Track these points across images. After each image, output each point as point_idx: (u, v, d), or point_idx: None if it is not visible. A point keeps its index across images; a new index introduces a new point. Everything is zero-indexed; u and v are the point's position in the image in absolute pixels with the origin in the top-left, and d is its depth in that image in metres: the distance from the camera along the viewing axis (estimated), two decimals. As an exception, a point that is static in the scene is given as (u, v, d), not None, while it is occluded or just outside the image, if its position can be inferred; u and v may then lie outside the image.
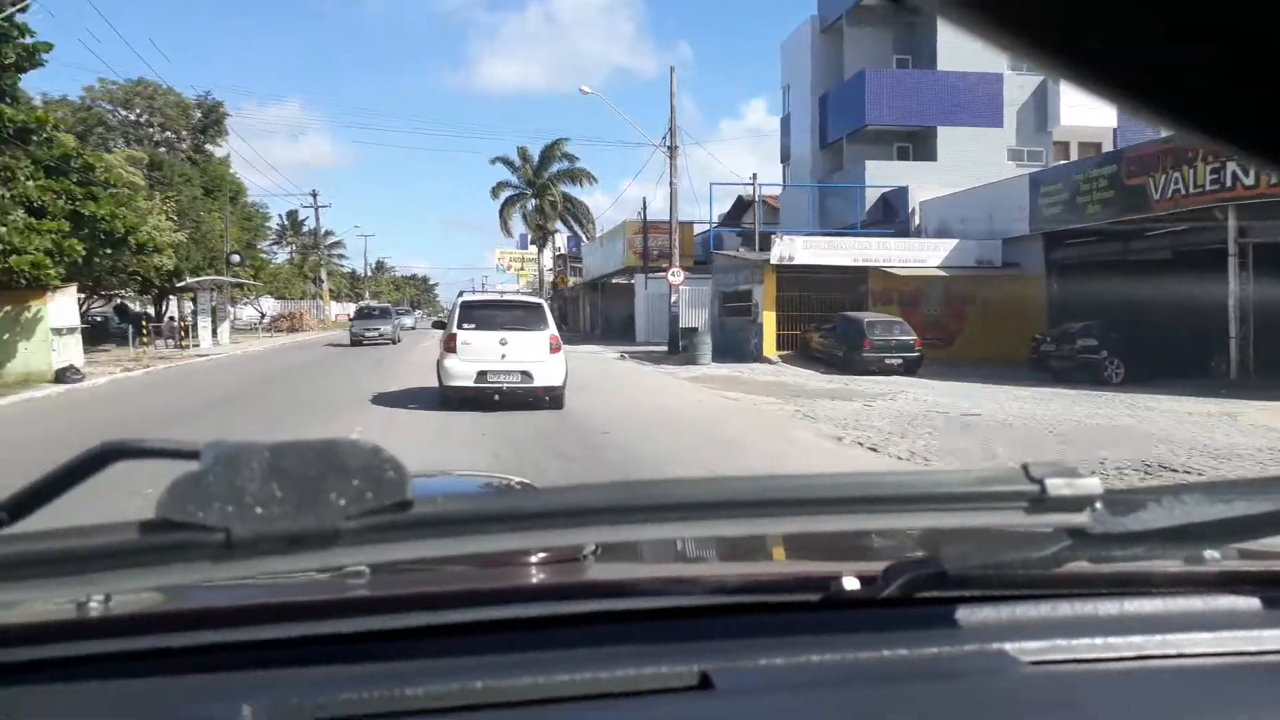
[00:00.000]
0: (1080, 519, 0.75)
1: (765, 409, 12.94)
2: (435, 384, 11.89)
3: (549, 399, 11.39)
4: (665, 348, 26.16)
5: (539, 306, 12.58)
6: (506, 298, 14.52)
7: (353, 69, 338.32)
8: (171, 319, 32.70)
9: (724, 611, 0.97)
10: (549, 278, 55.06)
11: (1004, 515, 0.76)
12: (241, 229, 44.89)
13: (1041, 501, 0.73)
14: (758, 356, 21.65)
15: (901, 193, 26.47)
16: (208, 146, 45.59)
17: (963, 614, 0.95)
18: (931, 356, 19.12)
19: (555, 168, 51.06)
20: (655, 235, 34.16)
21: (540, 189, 51.12)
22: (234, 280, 34.43)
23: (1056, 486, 0.73)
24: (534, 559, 1.23)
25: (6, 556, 0.63)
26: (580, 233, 52.74)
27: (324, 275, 54.93)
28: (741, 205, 40.13)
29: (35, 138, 21.46)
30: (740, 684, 0.83)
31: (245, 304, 49.83)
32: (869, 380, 17.28)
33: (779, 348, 21.80)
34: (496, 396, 11.18)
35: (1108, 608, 0.98)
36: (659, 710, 0.81)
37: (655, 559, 1.36)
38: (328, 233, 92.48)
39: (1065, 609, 0.97)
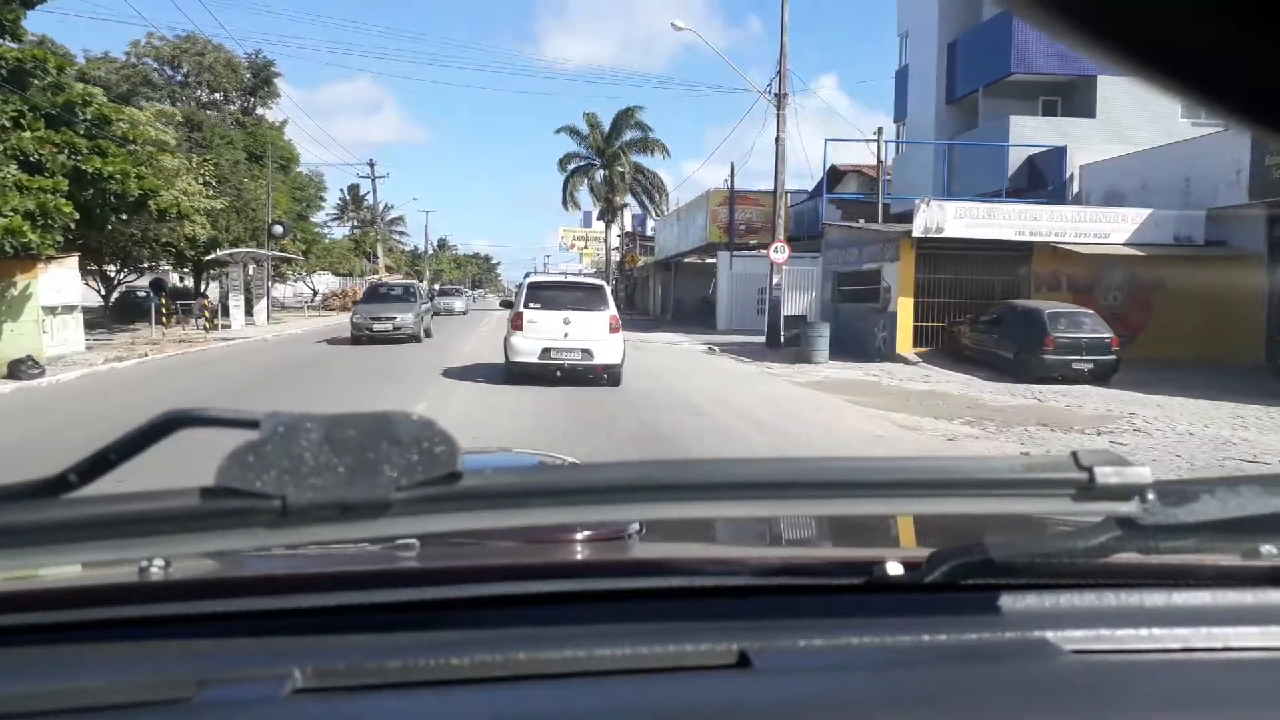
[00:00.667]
0: (1129, 508, 0.74)
1: (976, 449, 8.78)
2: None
3: (607, 376, 11.79)
4: (760, 338, 22.12)
5: (600, 288, 12.89)
6: (570, 279, 14.84)
7: (419, 41, 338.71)
8: (203, 295, 29.50)
9: (765, 592, 0.97)
10: (615, 256, 51.24)
11: (1051, 503, 0.75)
12: (292, 199, 41.96)
13: (1090, 490, 0.72)
14: (887, 354, 17.36)
15: (1055, 155, 21.79)
16: (258, 110, 42.63)
17: (1006, 601, 0.94)
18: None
19: (627, 137, 47.00)
20: (743, 207, 29.97)
21: (610, 159, 47.12)
22: (274, 254, 31.11)
23: (1105, 475, 0.71)
24: (579, 536, 1.24)
25: (75, 518, 0.66)
26: (651, 208, 48.70)
27: (380, 250, 51.75)
28: (836, 175, 35.73)
29: (35, 81, 18.24)
30: (778, 663, 0.83)
31: (296, 280, 46.95)
32: (1057, 392, 12.98)
33: (916, 343, 17.48)
34: (558, 373, 11.58)
35: (1154, 599, 0.96)
36: (697, 687, 0.81)
37: (699, 539, 1.34)
38: (388, 207, 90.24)
39: (1111, 599, 0.95)
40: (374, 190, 51.81)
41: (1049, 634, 0.88)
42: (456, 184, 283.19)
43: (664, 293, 41.49)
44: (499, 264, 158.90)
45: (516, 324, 11.88)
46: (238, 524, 0.63)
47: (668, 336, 25.50)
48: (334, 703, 0.77)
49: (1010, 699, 0.79)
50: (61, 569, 0.92)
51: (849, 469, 0.76)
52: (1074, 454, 0.73)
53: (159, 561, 0.94)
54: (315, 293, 49.24)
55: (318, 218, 47.54)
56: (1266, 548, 0.98)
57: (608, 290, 12.89)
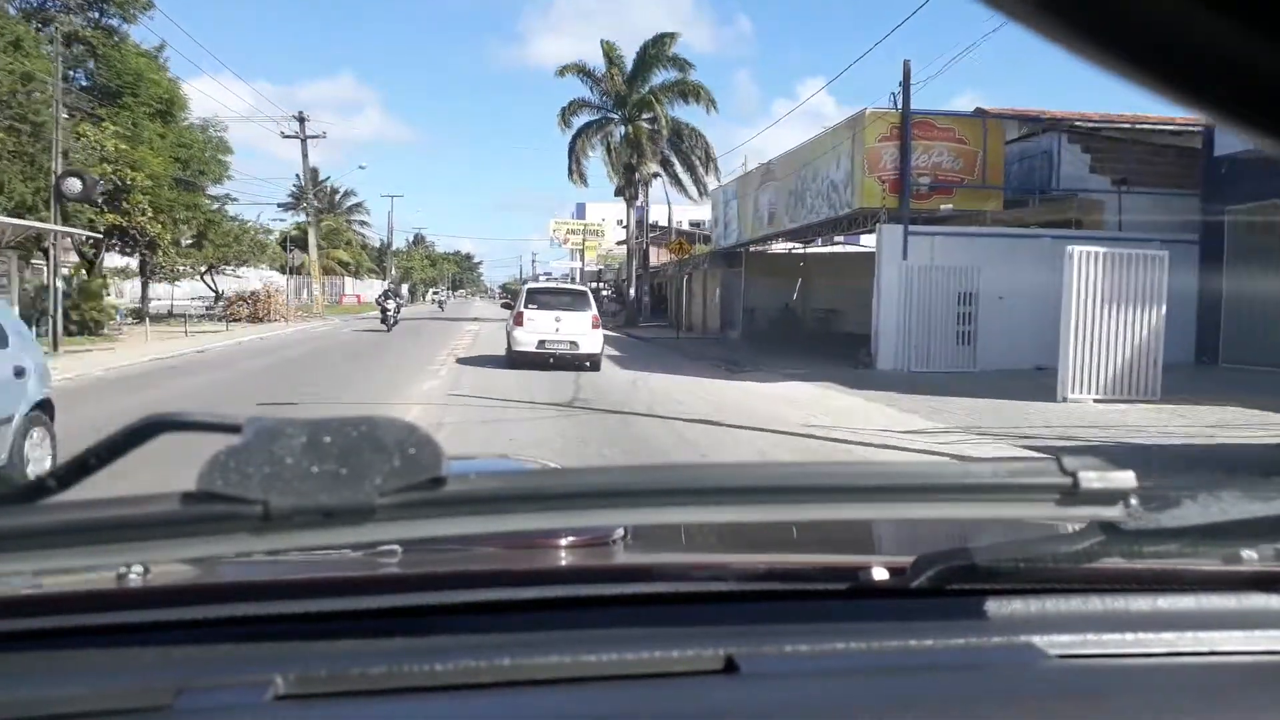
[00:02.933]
0: (1113, 513, 0.75)
1: None
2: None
3: (589, 364, 14.72)
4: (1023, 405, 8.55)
5: (585, 293, 16.21)
6: (560, 286, 19.11)
7: (402, 44, 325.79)
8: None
9: (752, 598, 0.97)
10: (620, 248, 37.47)
11: (1036, 507, 0.75)
12: (173, 160, 28.11)
13: (1074, 494, 0.72)
14: None
15: None
16: (118, 25, 28.48)
17: (991, 606, 0.94)
18: None
19: (657, 79, 33.18)
20: (926, 141, 16.10)
21: (634, 109, 33.36)
22: (35, 225, 16.84)
23: (1089, 479, 0.72)
24: (564, 541, 1.22)
25: (53, 524, 0.65)
26: (690, 180, 34.89)
27: (311, 237, 37.60)
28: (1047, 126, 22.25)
29: None
30: (765, 669, 0.83)
31: (168, 278, 32.71)
32: None
33: None
34: (551, 360, 14.48)
35: (1139, 603, 0.96)
36: (684, 692, 0.81)
37: (684, 545, 1.34)
38: (348, 193, 75.66)
39: (1096, 604, 0.96)
40: (304, 155, 37.59)
41: (1034, 639, 0.89)
42: (440, 183, 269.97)
43: (726, 299, 27.63)
44: (481, 263, 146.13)
45: (518, 321, 14.95)
46: (219, 529, 0.63)
47: (812, 391, 11.69)
48: (316, 709, 0.77)
49: (996, 704, 0.79)
50: (39, 575, 0.90)
51: (835, 473, 0.77)
52: (1058, 458, 0.73)
53: (138, 567, 0.92)
54: (218, 295, 35.21)
55: (213, 189, 33.07)
56: (1248, 552, 0.98)
57: (590, 295, 16.31)
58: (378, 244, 76.03)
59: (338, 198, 73.02)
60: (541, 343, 14.54)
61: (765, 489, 0.73)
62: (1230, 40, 0.32)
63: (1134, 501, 0.74)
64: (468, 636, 0.85)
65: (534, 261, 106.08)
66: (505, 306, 19.83)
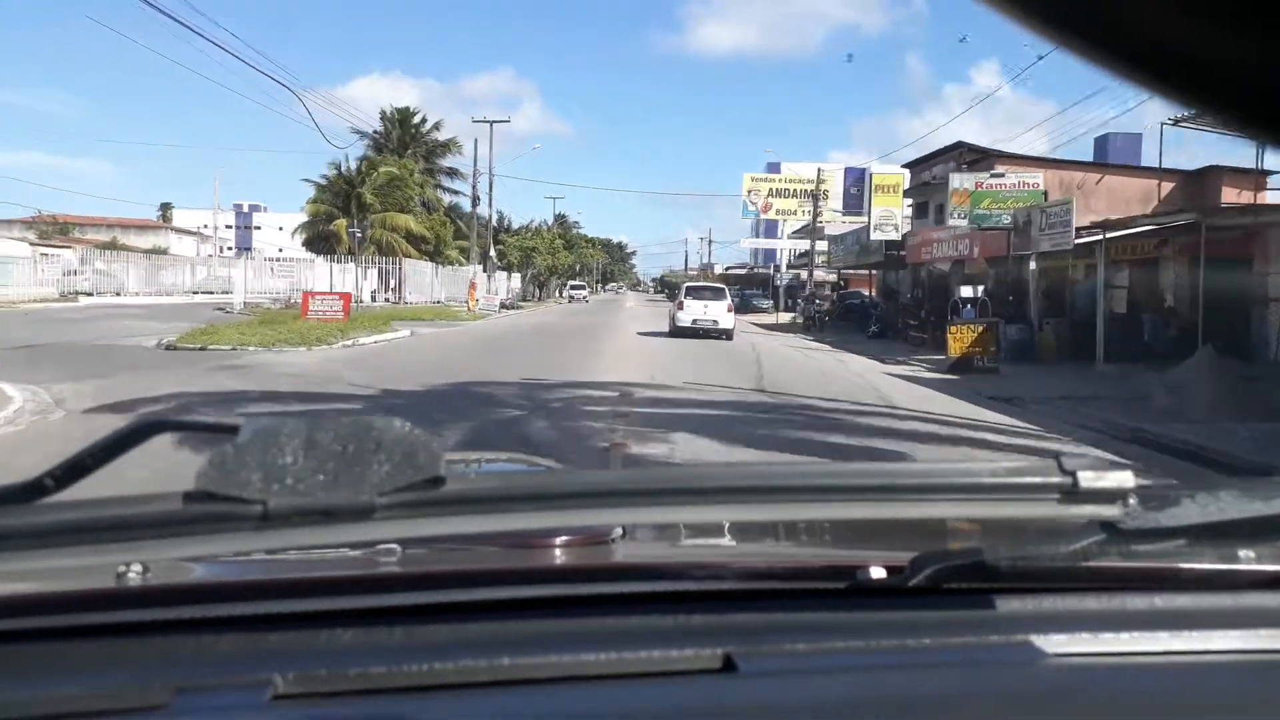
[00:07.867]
0: (1112, 512, 0.76)
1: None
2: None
3: (725, 335, 22.40)
4: None
5: (722, 289, 25.38)
6: (706, 284, 27.93)
7: (561, 36, 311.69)
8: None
9: (750, 597, 0.98)
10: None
11: (1035, 506, 0.76)
12: None
13: (1073, 494, 0.73)
14: None
15: None
16: None
17: (989, 605, 0.95)
18: None
19: None
20: None
21: None
22: None
23: (1089, 479, 0.73)
24: (562, 540, 1.22)
25: (52, 523, 0.66)
26: None
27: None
28: None
29: None
30: (763, 668, 0.84)
31: None
32: None
33: None
34: (700, 332, 22.29)
35: (1137, 603, 0.96)
36: (682, 691, 0.82)
37: (682, 543, 1.34)
38: (427, 124, 50.99)
39: (1093, 603, 0.96)
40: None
41: (1033, 637, 0.89)
42: (597, 176, 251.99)
43: None
44: (634, 253, 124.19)
45: (680, 306, 23.34)
46: (219, 529, 0.64)
47: None
48: (315, 709, 0.77)
49: (994, 702, 0.80)
50: (39, 575, 0.90)
51: (835, 473, 0.78)
52: (1058, 458, 0.73)
53: (137, 567, 0.92)
54: None
55: None
56: (1245, 552, 0.99)
57: (726, 290, 25.52)
58: (497, 219, 52.66)
59: (416, 129, 48.17)
60: (695, 320, 22.53)
61: (765, 489, 0.74)
62: (1226, 39, 0.31)
63: (1133, 501, 0.75)
64: (467, 635, 0.85)
65: (710, 245, 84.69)
66: (669, 297, 26.56)
